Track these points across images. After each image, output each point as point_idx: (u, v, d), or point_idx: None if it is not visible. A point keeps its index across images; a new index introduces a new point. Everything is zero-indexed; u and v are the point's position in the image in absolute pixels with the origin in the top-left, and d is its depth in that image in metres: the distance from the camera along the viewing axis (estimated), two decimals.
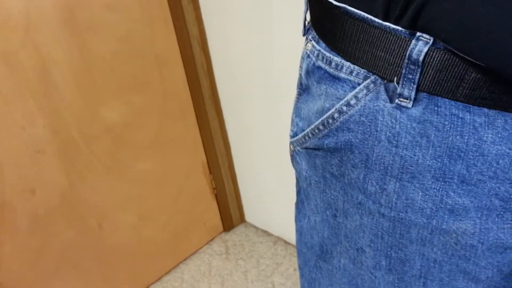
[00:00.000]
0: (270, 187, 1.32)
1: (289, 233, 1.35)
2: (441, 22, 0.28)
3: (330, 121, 0.36)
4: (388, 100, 0.32)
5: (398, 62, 0.31)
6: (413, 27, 0.29)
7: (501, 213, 0.31)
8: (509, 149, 0.30)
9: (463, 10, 0.26)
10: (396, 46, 0.31)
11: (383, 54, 0.31)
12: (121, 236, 1.19)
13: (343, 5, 0.33)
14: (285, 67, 1.06)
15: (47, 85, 0.96)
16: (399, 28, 0.30)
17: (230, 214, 1.43)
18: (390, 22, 0.31)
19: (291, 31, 0.99)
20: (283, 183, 1.26)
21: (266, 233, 1.41)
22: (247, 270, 1.30)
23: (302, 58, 0.40)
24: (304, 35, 0.40)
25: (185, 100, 1.22)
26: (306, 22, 0.39)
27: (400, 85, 0.31)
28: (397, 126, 0.32)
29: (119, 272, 1.21)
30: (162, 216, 1.26)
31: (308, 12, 0.39)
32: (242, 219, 1.47)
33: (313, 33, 0.38)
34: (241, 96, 1.22)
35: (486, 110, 0.29)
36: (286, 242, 1.36)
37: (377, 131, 0.33)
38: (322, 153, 0.38)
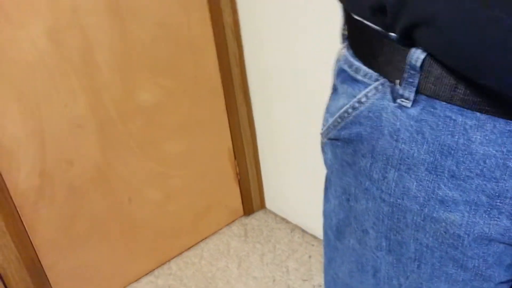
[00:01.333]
0: (291, 177, 1.36)
1: (307, 222, 1.39)
2: (427, 43, 0.32)
3: (346, 115, 0.41)
4: (392, 100, 0.37)
5: (401, 67, 0.36)
6: (410, 39, 0.34)
7: (488, 209, 0.35)
8: (496, 151, 0.33)
9: (443, 35, 0.30)
10: (399, 53, 0.36)
11: (389, 60, 0.37)
12: (147, 211, 1.26)
13: (361, 18, 0.38)
14: (314, 63, 1.09)
15: (90, 65, 1.02)
16: (399, 38, 0.35)
17: (251, 200, 1.48)
18: (394, 33, 0.35)
19: (322, 29, 1.02)
20: (304, 174, 1.30)
21: (284, 220, 1.46)
22: (264, 253, 1.35)
23: (335, 61, 0.46)
24: (342, 42, 0.46)
25: (216, 87, 1.27)
26: (344, 33, 0.45)
27: (401, 87, 0.36)
28: (398, 123, 0.37)
29: (143, 245, 1.28)
30: (186, 196, 1.33)
31: (345, 24, 0.45)
32: (262, 205, 1.52)
33: (347, 41, 0.44)
34: (269, 87, 1.26)
35: (478, 114, 0.33)
36: (303, 231, 1.40)
37: (381, 126, 0.38)
38: (340, 143, 0.43)
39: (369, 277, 0.45)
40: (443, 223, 0.37)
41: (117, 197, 1.18)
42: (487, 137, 0.33)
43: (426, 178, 0.36)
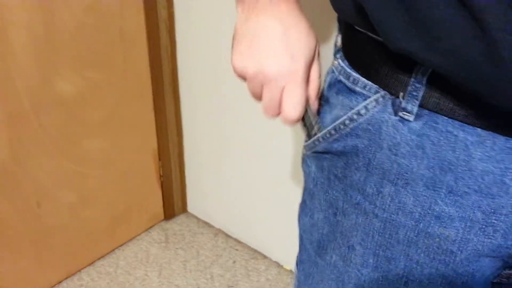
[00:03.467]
0: (215, 180, 1.33)
1: (230, 226, 1.37)
2: (434, 64, 0.32)
3: (342, 126, 0.40)
4: (393, 113, 0.36)
5: (405, 81, 0.35)
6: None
7: (483, 226, 0.36)
8: (494, 167, 0.34)
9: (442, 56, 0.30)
10: (404, 66, 0.35)
11: (393, 73, 0.36)
12: (59, 216, 1.12)
13: (364, 30, 0.37)
14: None
15: (2, 47, 0.88)
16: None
17: (173, 203, 1.41)
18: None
19: None
20: (228, 177, 1.28)
21: (207, 224, 1.42)
22: (186, 260, 1.30)
23: (327, 73, 0.44)
24: (334, 55, 0.44)
25: (145, 83, 1.19)
26: (338, 44, 0.43)
27: (404, 101, 0.35)
28: (398, 137, 0.36)
29: (52, 253, 1.14)
30: (104, 198, 1.22)
31: (339, 35, 0.43)
32: (184, 209, 1.46)
33: (340, 53, 0.42)
34: (201, 87, 1.21)
35: (479, 130, 0.34)
36: (226, 235, 1.38)
37: (380, 139, 0.37)
38: (329, 156, 0.42)
39: None
40: (437, 239, 0.37)
41: (25, 201, 1.03)
42: (487, 154, 0.34)
43: (424, 194, 0.36)
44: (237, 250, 1.33)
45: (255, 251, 1.32)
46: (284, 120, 0.44)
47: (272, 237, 1.27)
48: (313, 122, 0.44)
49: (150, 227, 1.40)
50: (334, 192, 0.42)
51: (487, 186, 0.34)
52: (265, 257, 1.31)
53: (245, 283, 1.23)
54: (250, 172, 1.22)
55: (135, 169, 1.27)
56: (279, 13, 0.42)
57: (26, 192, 1.03)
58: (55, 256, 1.15)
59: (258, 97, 0.45)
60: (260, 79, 0.43)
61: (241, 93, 1.13)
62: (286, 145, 1.10)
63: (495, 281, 0.40)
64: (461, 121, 0.34)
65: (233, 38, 0.44)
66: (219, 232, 1.39)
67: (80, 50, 1.01)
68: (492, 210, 0.35)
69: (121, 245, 1.32)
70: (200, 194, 1.41)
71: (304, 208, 0.48)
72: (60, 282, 1.19)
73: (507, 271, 0.39)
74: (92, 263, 1.26)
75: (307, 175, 0.46)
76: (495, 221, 0.35)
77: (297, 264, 0.52)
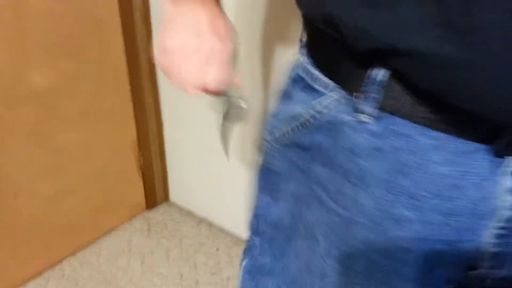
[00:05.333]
0: (197, 169, 1.33)
1: (214, 214, 1.38)
2: (400, 69, 0.32)
3: (307, 123, 0.40)
4: (352, 115, 0.36)
5: (363, 82, 0.35)
6: (373, 57, 0.33)
7: (441, 226, 0.36)
8: (454, 171, 0.34)
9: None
10: (362, 67, 0.35)
11: (351, 73, 0.36)
12: (37, 208, 1.12)
13: (323, 27, 0.37)
14: None
15: None
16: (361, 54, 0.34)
17: (155, 193, 1.41)
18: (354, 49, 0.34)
19: (235, 13, 1.00)
20: (210, 166, 1.28)
21: (190, 213, 1.43)
22: (169, 249, 1.30)
23: (291, 68, 0.44)
24: (299, 50, 0.44)
25: (121, 73, 1.17)
26: (303, 39, 0.43)
27: (363, 102, 0.35)
28: (358, 139, 0.36)
29: (31, 245, 1.14)
30: (83, 190, 1.21)
31: (304, 32, 0.43)
32: (166, 198, 1.46)
33: (305, 49, 0.42)
34: None
35: (438, 133, 0.34)
36: (210, 223, 1.39)
37: (341, 139, 0.37)
38: (296, 149, 0.42)
39: (316, 279, 0.45)
40: (396, 241, 0.37)
41: (1, 192, 1.02)
42: (445, 158, 0.34)
43: (383, 197, 0.36)
44: (220, 238, 1.34)
45: (238, 238, 1.33)
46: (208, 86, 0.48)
47: None
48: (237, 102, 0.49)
49: (132, 217, 1.40)
50: (297, 183, 0.42)
51: (446, 189, 0.34)
52: None
53: (228, 270, 1.24)
54: (232, 160, 1.23)
55: (115, 160, 1.26)
56: (208, 5, 0.46)
57: (1, 184, 1.02)
58: (34, 247, 1.15)
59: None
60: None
61: None
62: None
63: (462, 281, 0.40)
64: (421, 124, 0.34)
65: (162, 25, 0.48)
66: (202, 220, 1.40)
67: (53, 40, 0.99)
68: (451, 212, 0.35)
69: (103, 236, 1.32)
70: (182, 183, 1.41)
71: (263, 189, 0.48)
72: (40, 273, 1.19)
73: (471, 273, 0.39)
74: (73, 253, 1.26)
75: (272, 165, 0.46)
76: (453, 222, 0.35)
77: (245, 251, 0.52)
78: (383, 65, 0.33)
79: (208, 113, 1.20)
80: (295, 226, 0.44)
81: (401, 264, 0.38)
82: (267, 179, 0.48)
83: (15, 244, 1.10)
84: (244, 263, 0.54)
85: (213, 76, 0.46)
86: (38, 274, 1.19)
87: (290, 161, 0.43)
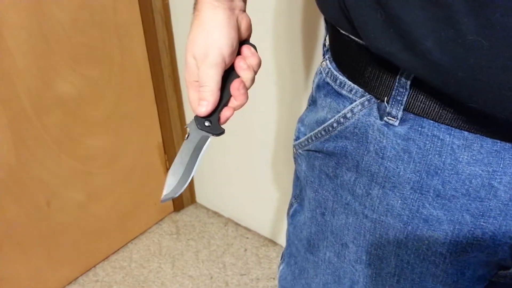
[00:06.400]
0: (222, 170, 1.33)
1: (240, 215, 1.37)
2: (409, 67, 0.31)
3: (331, 129, 0.40)
4: (378, 117, 0.36)
5: (390, 85, 0.35)
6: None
7: (472, 229, 0.35)
8: (482, 170, 0.33)
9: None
10: (387, 70, 0.34)
11: (377, 77, 0.35)
12: (68, 214, 1.13)
13: (348, 34, 0.36)
14: None
15: None
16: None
17: (182, 195, 1.42)
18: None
19: (261, 18, 0.99)
20: (236, 166, 1.28)
21: (216, 214, 1.43)
22: (198, 250, 1.31)
23: (316, 74, 0.43)
24: (323, 55, 0.44)
25: (144, 77, 1.18)
26: (327, 44, 0.43)
27: (389, 105, 0.35)
28: (384, 141, 0.36)
29: (65, 251, 1.16)
30: (112, 195, 1.23)
31: (327, 36, 0.43)
32: (192, 200, 1.47)
33: (329, 53, 0.42)
34: None
35: (465, 133, 0.33)
36: (236, 224, 1.38)
37: (367, 142, 0.37)
38: (321, 155, 0.42)
39: None
40: (426, 241, 0.37)
41: (34, 201, 1.04)
42: (474, 157, 0.33)
43: (411, 197, 0.36)
44: (247, 238, 1.34)
45: (266, 238, 1.33)
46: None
47: (281, 224, 1.27)
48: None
49: (161, 220, 1.41)
50: (324, 191, 0.42)
51: (475, 189, 0.34)
52: (275, 244, 1.31)
53: (256, 271, 1.24)
54: (257, 161, 1.22)
55: (141, 164, 1.27)
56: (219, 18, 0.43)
57: (34, 193, 1.04)
58: (68, 253, 1.17)
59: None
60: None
61: None
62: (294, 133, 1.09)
63: (493, 280, 0.40)
64: (448, 125, 0.33)
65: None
66: (228, 221, 1.40)
67: (77, 48, 1.00)
68: (481, 213, 0.34)
69: (133, 239, 1.34)
70: (208, 185, 1.41)
71: (293, 204, 0.48)
72: (76, 278, 1.21)
73: (502, 272, 0.38)
74: (106, 258, 1.28)
75: (299, 173, 0.46)
76: (484, 224, 0.35)
77: (283, 256, 0.53)
78: (402, 65, 0.32)
79: (234, 115, 1.20)
80: (322, 234, 0.44)
81: (433, 265, 0.38)
82: (296, 186, 0.48)
83: (50, 251, 1.12)
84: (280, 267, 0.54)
85: (200, 101, 0.43)
86: (73, 279, 1.21)
87: (313, 167, 0.43)
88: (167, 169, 1.35)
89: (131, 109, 1.18)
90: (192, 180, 1.44)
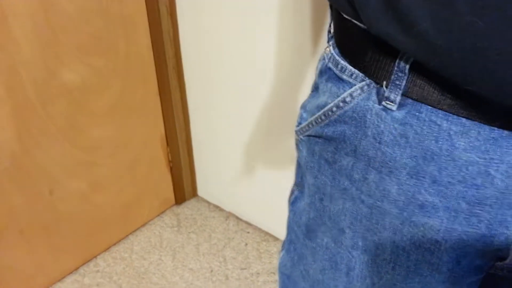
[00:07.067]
0: (225, 163, 1.33)
1: (241, 209, 1.38)
2: (408, 49, 0.31)
3: (330, 113, 0.40)
4: (377, 102, 0.36)
5: (388, 69, 0.35)
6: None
7: (468, 216, 0.35)
8: (479, 158, 0.33)
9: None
10: (386, 55, 0.34)
11: (376, 61, 0.36)
12: (71, 204, 1.14)
13: (348, 17, 0.37)
14: (253, 44, 1.06)
15: (4, 38, 0.88)
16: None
17: (183, 188, 1.42)
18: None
19: (266, 10, 0.99)
20: (238, 160, 1.28)
21: (218, 208, 1.43)
22: (199, 243, 1.31)
23: (319, 60, 0.44)
24: (328, 41, 0.44)
25: (148, 68, 1.18)
26: (332, 31, 0.43)
27: (388, 89, 0.35)
28: (382, 125, 0.36)
29: (66, 240, 1.17)
30: (115, 185, 1.23)
31: (331, 22, 0.43)
32: (194, 193, 1.47)
33: (333, 40, 0.42)
34: (205, 69, 1.20)
35: (463, 120, 0.33)
36: (237, 218, 1.39)
37: (365, 127, 0.37)
38: (321, 140, 0.42)
39: (342, 275, 0.44)
40: (421, 228, 0.37)
41: (37, 189, 1.05)
42: (471, 144, 0.33)
43: (407, 182, 0.36)
44: (248, 232, 1.34)
45: (266, 233, 1.33)
46: None
47: (282, 218, 1.27)
48: None
49: (162, 212, 1.41)
50: (322, 177, 0.42)
51: (471, 176, 0.34)
52: (276, 239, 1.31)
53: (257, 265, 1.24)
54: (259, 154, 1.22)
55: (145, 155, 1.27)
56: None
57: (37, 181, 1.04)
58: (70, 243, 1.18)
59: None
60: None
61: (246, 73, 1.12)
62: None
63: (491, 272, 0.40)
64: (445, 111, 0.33)
65: None
66: (230, 215, 1.40)
67: (82, 38, 1.00)
68: (477, 201, 0.34)
69: (134, 231, 1.34)
70: (210, 178, 1.41)
71: (294, 191, 0.48)
72: (77, 268, 1.22)
73: (499, 263, 0.38)
74: (107, 248, 1.28)
75: (300, 159, 0.46)
76: (480, 211, 0.35)
77: (284, 244, 0.53)
78: (401, 48, 0.33)
79: (235, 107, 1.20)
80: (320, 220, 0.44)
81: (428, 252, 0.38)
82: (297, 173, 0.48)
83: (52, 240, 1.13)
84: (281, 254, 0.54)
85: None
86: (74, 269, 1.22)
87: (313, 152, 0.43)
88: (169, 162, 1.36)
89: (135, 100, 1.18)
90: (194, 174, 1.44)
